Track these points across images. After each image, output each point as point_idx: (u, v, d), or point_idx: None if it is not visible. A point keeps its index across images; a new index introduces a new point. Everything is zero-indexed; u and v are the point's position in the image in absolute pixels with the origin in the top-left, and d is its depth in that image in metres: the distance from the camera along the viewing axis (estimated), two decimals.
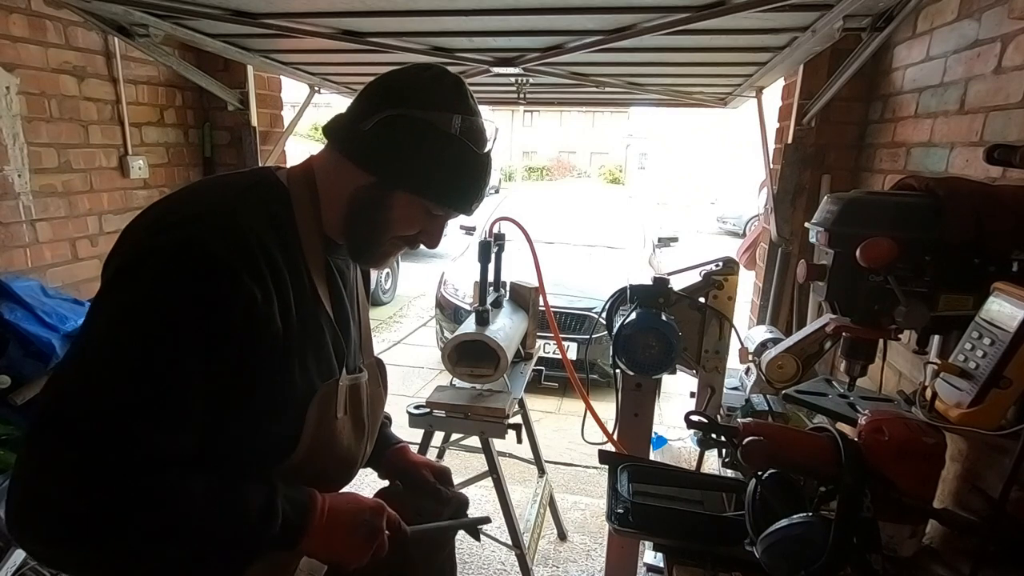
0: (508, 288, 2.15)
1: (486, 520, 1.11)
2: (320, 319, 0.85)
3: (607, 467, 1.13)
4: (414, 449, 1.23)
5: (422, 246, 0.91)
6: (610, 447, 1.55)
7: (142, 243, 0.72)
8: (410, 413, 1.84)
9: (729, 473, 1.36)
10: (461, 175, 0.84)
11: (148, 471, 0.67)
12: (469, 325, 1.78)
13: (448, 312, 4.71)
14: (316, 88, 3.09)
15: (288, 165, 0.93)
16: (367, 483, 2.89)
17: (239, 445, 0.77)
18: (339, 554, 0.83)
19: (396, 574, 0.95)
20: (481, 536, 1.12)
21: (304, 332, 0.81)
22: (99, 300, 0.71)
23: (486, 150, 0.86)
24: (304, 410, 0.82)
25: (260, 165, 0.94)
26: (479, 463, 2.02)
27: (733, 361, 1.59)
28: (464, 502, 1.09)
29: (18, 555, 1.64)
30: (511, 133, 33.32)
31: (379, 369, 1.06)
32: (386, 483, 1.15)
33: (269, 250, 0.75)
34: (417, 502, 1.06)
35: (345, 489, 0.95)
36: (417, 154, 0.81)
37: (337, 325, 0.88)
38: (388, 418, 1.20)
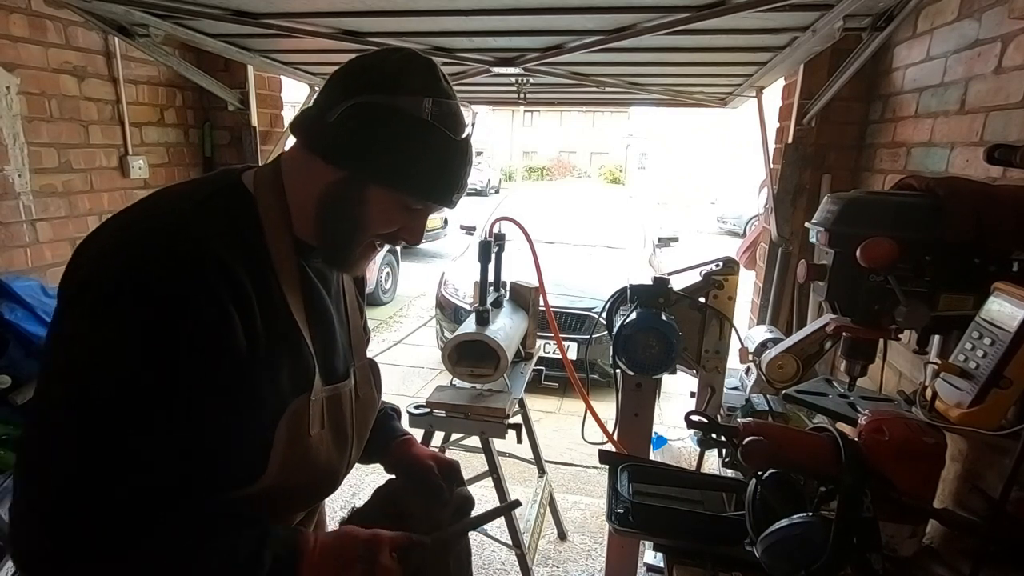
0: (508, 288, 2.15)
1: (516, 504, 1.01)
2: (292, 331, 0.79)
3: (607, 467, 1.13)
4: None
5: (404, 243, 0.86)
6: (610, 447, 1.55)
7: (85, 271, 0.69)
8: (410, 413, 1.84)
9: (729, 473, 1.37)
10: (437, 163, 0.78)
11: (134, 518, 0.65)
12: (469, 325, 1.78)
13: (448, 312, 4.71)
14: (316, 88, 3.09)
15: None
16: (366, 483, 2.90)
17: (208, 469, 0.73)
18: None
19: None
20: (486, 531, 1.04)
21: (274, 347, 0.75)
22: (49, 335, 0.69)
23: (463, 136, 0.79)
24: (274, 429, 0.77)
25: (228, 166, 0.87)
26: (479, 463, 2.02)
27: (733, 361, 1.59)
28: (464, 502, 1.02)
29: None
30: (511, 133, 33.36)
31: (372, 371, 1.01)
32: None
33: (226, 266, 0.70)
34: (416, 498, 1.00)
35: (340, 494, 0.92)
36: (387, 143, 0.75)
37: (315, 334, 0.83)
38: (396, 411, 1.16)
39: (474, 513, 1.00)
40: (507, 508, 0.94)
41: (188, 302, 0.66)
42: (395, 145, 0.75)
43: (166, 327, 0.65)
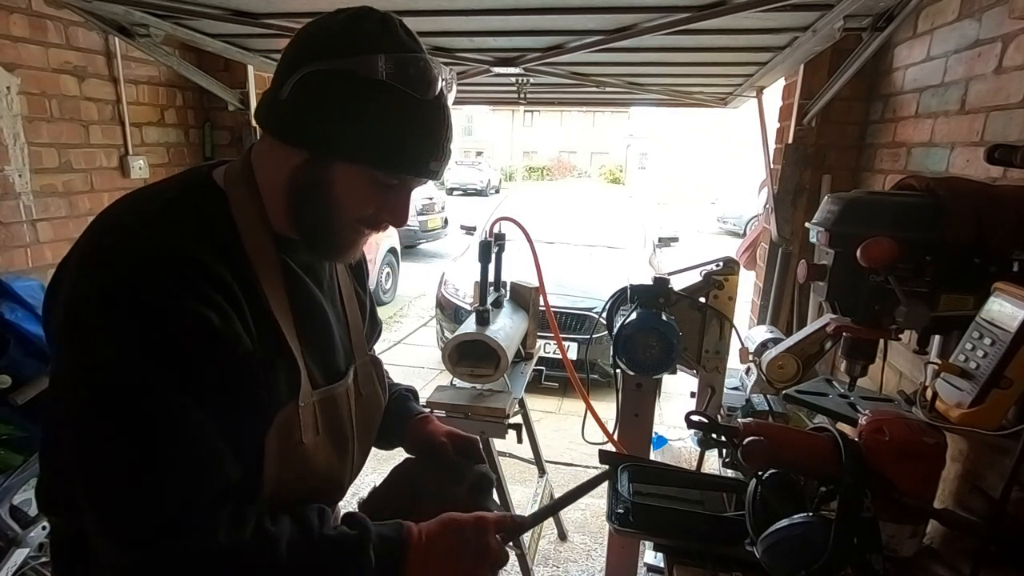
0: (508, 288, 2.15)
1: (607, 475, 0.96)
2: (275, 333, 0.74)
3: (607, 467, 1.13)
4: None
5: (390, 227, 0.79)
6: (610, 447, 1.54)
7: (69, 291, 0.66)
8: None
9: (729, 473, 1.36)
10: (401, 129, 0.69)
11: (225, 529, 0.64)
12: (469, 325, 1.78)
13: (448, 312, 4.71)
14: None
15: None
16: (367, 483, 2.90)
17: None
18: None
19: None
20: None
21: (260, 351, 0.71)
22: (58, 364, 0.67)
23: (433, 95, 0.70)
24: (263, 439, 0.73)
25: (199, 164, 0.82)
26: None
27: (733, 361, 1.59)
28: (480, 478, 0.95)
29: (19, 554, 1.64)
30: (511, 133, 33.39)
31: (375, 368, 0.97)
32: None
33: (206, 266, 0.65)
34: (432, 475, 0.97)
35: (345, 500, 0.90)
36: (341, 113, 0.67)
37: (304, 333, 0.78)
38: (412, 391, 1.12)
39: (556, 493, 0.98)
40: (601, 479, 0.93)
41: (174, 305, 0.63)
42: (351, 114, 0.68)
43: (159, 332, 0.62)
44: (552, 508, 0.88)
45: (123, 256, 0.64)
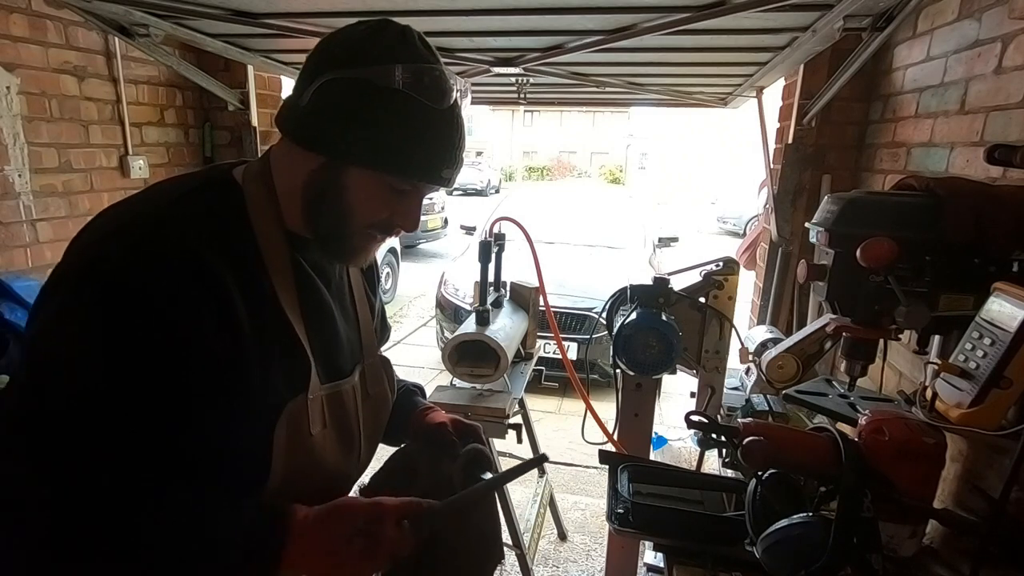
0: (508, 288, 2.15)
1: (542, 459, 0.90)
2: (285, 328, 0.75)
3: (607, 467, 1.13)
4: None
5: (403, 232, 0.81)
6: (610, 447, 1.54)
7: (59, 269, 0.67)
8: None
9: (729, 473, 1.37)
10: (415, 137, 0.72)
11: (102, 519, 0.63)
12: (469, 325, 1.78)
13: (448, 312, 4.72)
14: None
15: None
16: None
17: (208, 473, 0.70)
18: (335, 573, 0.71)
19: (426, 552, 0.79)
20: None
21: (265, 346, 0.72)
22: (26, 329, 0.69)
23: (447, 105, 0.73)
24: (272, 431, 0.73)
25: (221, 162, 0.85)
26: None
27: (733, 361, 1.59)
28: (475, 454, 0.93)
29: None
30: (511, 133, 33.40)
31: (384, 368, 0.98)
32: None
33: (201, 262, 0.66)
34: (429, 455, 0.97)
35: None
36: (357, 120, 0.70)
37: (312, 330, 0.80)
38: (419, 388, 1.13)
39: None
40: (533, 463, 0.85)
41: (150, 300, 0.63)
42: (366, 121, 0.70)
43: (127, 325, 0.63)
44: (474, 493, 0.83)
45: (112, 248, 0.65)
